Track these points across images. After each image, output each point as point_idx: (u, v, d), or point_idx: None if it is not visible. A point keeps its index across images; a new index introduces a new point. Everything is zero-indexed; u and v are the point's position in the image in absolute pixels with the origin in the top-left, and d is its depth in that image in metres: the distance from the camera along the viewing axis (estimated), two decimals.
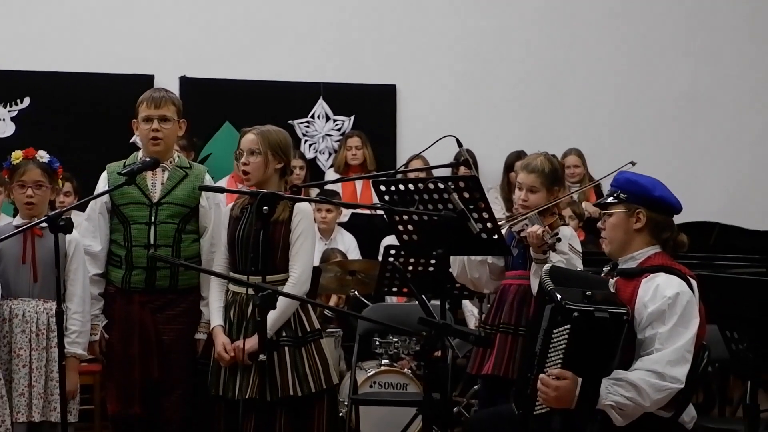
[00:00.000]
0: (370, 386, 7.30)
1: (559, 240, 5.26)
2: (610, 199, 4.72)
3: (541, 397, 4.43)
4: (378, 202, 5.42)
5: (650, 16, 10.77)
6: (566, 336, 4.34)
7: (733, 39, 10.86)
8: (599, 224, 4.84)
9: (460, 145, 5.91)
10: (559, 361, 4.37)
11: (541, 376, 4.41)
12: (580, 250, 5.56)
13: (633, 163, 5.86)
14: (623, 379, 4.34)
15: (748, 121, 10.82)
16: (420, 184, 5.14)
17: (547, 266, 4.74)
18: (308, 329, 5.47)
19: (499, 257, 5.65)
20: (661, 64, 10.72)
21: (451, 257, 5.62)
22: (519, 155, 9.90)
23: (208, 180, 5.90)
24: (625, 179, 4.73)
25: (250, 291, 5.30)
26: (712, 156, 10.70)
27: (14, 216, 5.73)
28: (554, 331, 4.40)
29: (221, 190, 5.86)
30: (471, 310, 8.40)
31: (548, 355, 4.42)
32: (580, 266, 5.42)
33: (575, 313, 4.30)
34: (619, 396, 4.32)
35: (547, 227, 5.33)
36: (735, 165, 10.72)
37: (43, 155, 5.66)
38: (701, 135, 10.73)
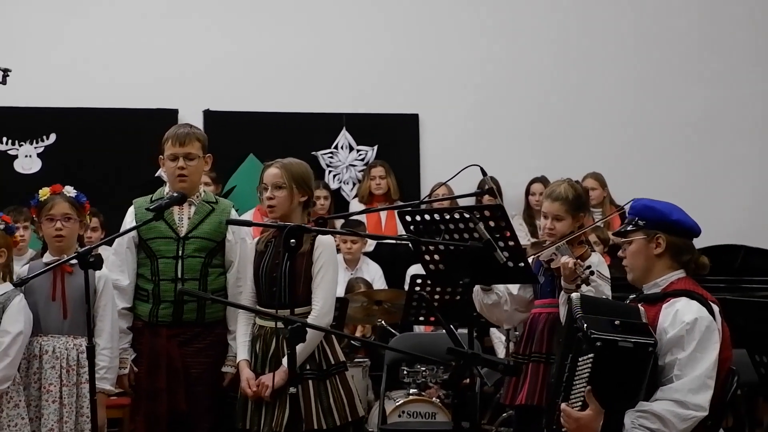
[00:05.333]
0: (399, 416, 7.27)
1: (592, 273, 5.23)
2: (628, 227, 4.71)
3: (564, 426, 4.43)
4: (404, 231, 5.44)
5: (664, 42, 10.84)
6: (590, 365, 4.33)
7: (745, 62, 10.91)
8: (620, 253, 4.83)
9: (484, 173, 5.90)
10: (583, 389, 4.37)
11: (563, 407, 4.41)
12: (609, 276, 5.53)
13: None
14: (648, 411, 4.31)
15: (766, 142, 10.82)
16: (446, 214, 5.15)
17: (576, 295, 4.71)
18: (332, 362, 5.47)
19: (525, 289, 5.65)
20: (676, 88, 10.78)
21: (473, 295, 5.63)
22: (540, 181, 9.98)
23: (233, 215, 5.92)
24: (642, 205, 4.72)
25: (277, 324, 5.33)
26: (734, 177, 10.71)
27: (42, 253, 5.77)
28: (579, 359, 4.39)
29: (248, 223, 5.87)
30: (499, 338, 8.39)
31: (574, 383, 4.42)
32: (608, 293, 5.39)
33: (599, 343, 4.28)
34: (643, 429, 4.30)
35: (578, 260, 5.30)
36: (754, 186, 10.73)
37: (69, 190, 5.69)
38: (719, 157, 10.76)
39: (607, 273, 5.52)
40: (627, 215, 4.79)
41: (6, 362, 5.32)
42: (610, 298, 5.35)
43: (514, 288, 5.64)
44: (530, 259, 5.48)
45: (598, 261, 5.49)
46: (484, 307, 5.68)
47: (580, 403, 4.37)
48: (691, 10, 10.93)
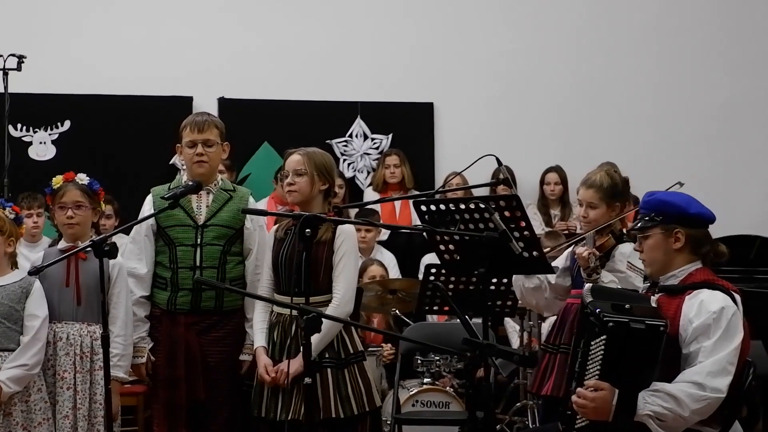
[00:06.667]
0: (413, 405, 7.27)
1: (598, 265, 5.23)
2: (646, 223, 4.68)
3: (579, 411, 4.45)
4: (419, 221, 5.43)
5: (685, 32, 10.77)
6: (603, 347, 4.37)
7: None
8: (635, 247, 4.82)
9: (500, 163, 5.90)
10: (597, 372, 4.40)
11: (579, 389, 4.44)
12: (642, 268, 5.50)
13: (681, 184, 5.81)
14: (661, 390, 4.35)
15: None
16: (461, 204, 5.13)
17: (588, 285, 4.72)
18: (351, 351, 5.49)
19: (564, 277, 5.63)
20: (697, 79, 10.71)
21: (513, 279, 5.65)
22: (555, 170, 9.96)
23: (251, 202, 5.93)
24: (658, 200, 4.69)
25: (294, 312, 5.34)
26: (751, 168, 10.67)
27: (58, 240, 5.78)
28: (592, 343, 4.43)
29: (265, 213, 5.88)
30: (513, 327, 8.39)
31: (587, 367, 4.45)
32: (639, 284, 5.34)
33: (611, 324, 4.33)
34: (657, 406, 4.33)
35: (594, 249, 5.30)
36: None
37: (82, 177, 5.70)
38: (739, 148, 10.70)
39: (639, 264, 5.47)
40: (640, 210, 4.77)
41: (39, 346, 5.39)
42: (641, 290, 5.33)
43: (552, 276, 5.63)
44: (567, 251, 5.49)
45: (630, 252, 5.45)
46: (525, 292, 5.69)
47: (593, 386, 4.40)
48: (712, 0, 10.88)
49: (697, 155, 10.53)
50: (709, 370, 4.35)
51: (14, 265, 5.61)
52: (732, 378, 4.40)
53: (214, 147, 5.78)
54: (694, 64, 10.75)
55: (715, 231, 4.79)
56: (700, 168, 10.30)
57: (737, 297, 4.54)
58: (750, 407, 7.26)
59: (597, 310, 4.39)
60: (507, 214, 5.09)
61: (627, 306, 4.42)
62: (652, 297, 4.66)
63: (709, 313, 4.41)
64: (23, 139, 9.74)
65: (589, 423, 4.47)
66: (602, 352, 4.36)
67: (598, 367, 4.39)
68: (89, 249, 5.22)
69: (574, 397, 4.45)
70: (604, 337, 4.35)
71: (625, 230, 5.58)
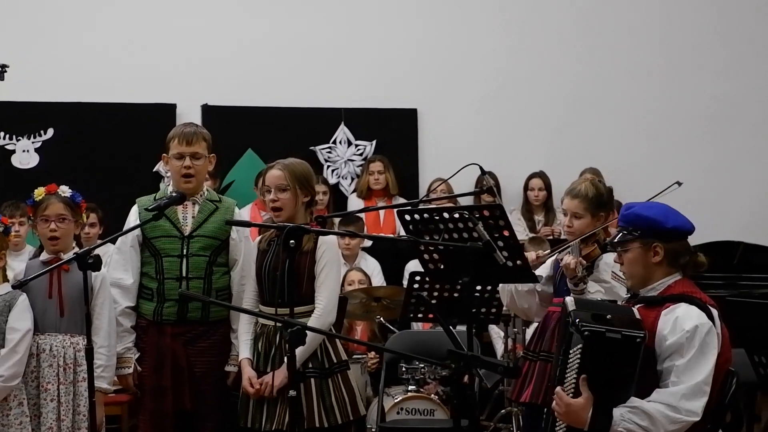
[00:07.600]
0: (398, 413, 7.26)
1: (586, 275, 5.23)
2: (624, 237, 4.66)
3: (555, 410, 4.46)
4: (402, 229, 5.43)
5: (672, 36, 10.79)
6: (579, 355, 4.38)
7: (756, 56, 10.87)
8: (615, 259, 4.81)
9: (483, 172, 5.90)
10: (574, 380, 4.40)
11: (557, 389, 4.44)
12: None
13: (679, 184, 5.77)
14: (639, 407, 4.33)
15: None
16: (445, 214, 5.14)
17: (570, 298, 4.72)
18: (335, 360, 5.49)
19: (548, 284, 5.63)
20: (683, 85, 10.73)
21: (500, 287, 5.64)
22: (539, 176, 9.98)
23: (237, 213, 5.91)
24: (635, 215, 4.65)
25: (276, 324, 5.33)
26: (735, 175, 10.68)
27: (40, 252, 5.76)
28: (570, 351, 4.43)
29: (249, 224, 5.85)
30: (498, 333, 8.40)
31: (565, 375, 4.46)
32: (623, 294, 5.33)
33: (587, 332, 4.33)
34: (632, 424, 4.31)
35: (581, 258, 5.30)
36: (759, 183, 10.69)
37: (65, 190, 5.67)
38: (723, 154, 10.71)
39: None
40: (618, 223, 4.76)
41: (16, 359, 5.36)
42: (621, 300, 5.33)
43: (537, 285, 5.62)
44: (551, 259, 5.48)
45: (614, 262, 5.45)
46: (517, 295, 5.65)
47: (571, 393, 4.40)
48: (702, 2, 10.90)
49: (681, 161, 10.52)
50: (683, 393, 4.32)
51: (4, 278, 5.59)
52: (708, 398, 4.38)
53: (201, 160, 5.77)
54: (679, 71, 10.77)
55: (699, 237, 4.80)
56: (684, 174, 10.28)
57: (714, 312, 4.51)
58: (733, 413, 7.28)
59: (576, 319, 4.40)
60: (491, 222, 5.10)
61: (608, 316, 4.41)
62: (633, 309, 4.65)
63: (683, 332, 4.37)
64: (6, 147, 9.72)
65: (567, 429, 4.49)
66: (579, 360, 4.37)
67: (575, 376, 4.39)
68: (72, 261, 5.23)
69: (554, 397, 4.47)
70: (580, 345, 4.36)
71: (608, 240, 5.58)
